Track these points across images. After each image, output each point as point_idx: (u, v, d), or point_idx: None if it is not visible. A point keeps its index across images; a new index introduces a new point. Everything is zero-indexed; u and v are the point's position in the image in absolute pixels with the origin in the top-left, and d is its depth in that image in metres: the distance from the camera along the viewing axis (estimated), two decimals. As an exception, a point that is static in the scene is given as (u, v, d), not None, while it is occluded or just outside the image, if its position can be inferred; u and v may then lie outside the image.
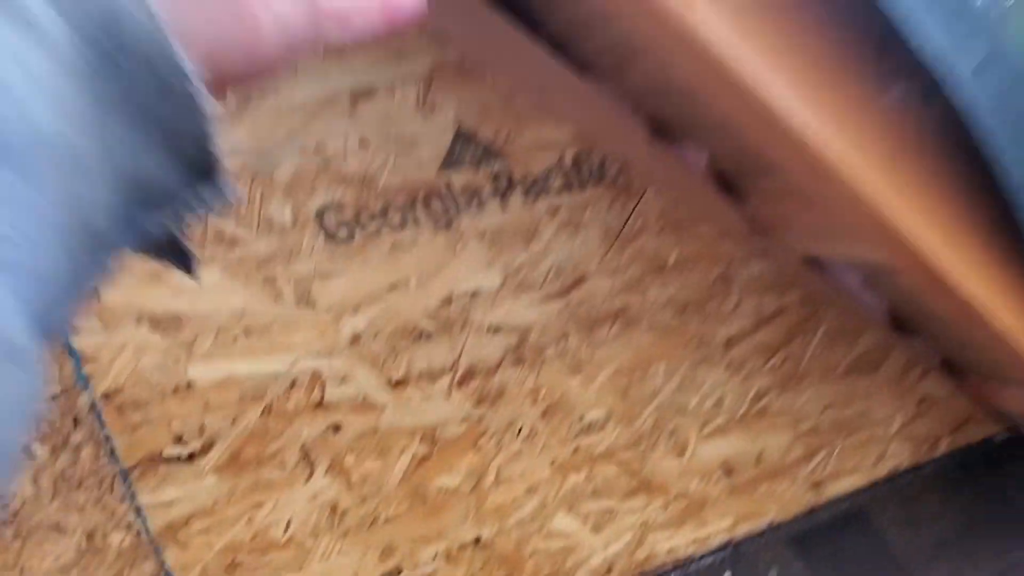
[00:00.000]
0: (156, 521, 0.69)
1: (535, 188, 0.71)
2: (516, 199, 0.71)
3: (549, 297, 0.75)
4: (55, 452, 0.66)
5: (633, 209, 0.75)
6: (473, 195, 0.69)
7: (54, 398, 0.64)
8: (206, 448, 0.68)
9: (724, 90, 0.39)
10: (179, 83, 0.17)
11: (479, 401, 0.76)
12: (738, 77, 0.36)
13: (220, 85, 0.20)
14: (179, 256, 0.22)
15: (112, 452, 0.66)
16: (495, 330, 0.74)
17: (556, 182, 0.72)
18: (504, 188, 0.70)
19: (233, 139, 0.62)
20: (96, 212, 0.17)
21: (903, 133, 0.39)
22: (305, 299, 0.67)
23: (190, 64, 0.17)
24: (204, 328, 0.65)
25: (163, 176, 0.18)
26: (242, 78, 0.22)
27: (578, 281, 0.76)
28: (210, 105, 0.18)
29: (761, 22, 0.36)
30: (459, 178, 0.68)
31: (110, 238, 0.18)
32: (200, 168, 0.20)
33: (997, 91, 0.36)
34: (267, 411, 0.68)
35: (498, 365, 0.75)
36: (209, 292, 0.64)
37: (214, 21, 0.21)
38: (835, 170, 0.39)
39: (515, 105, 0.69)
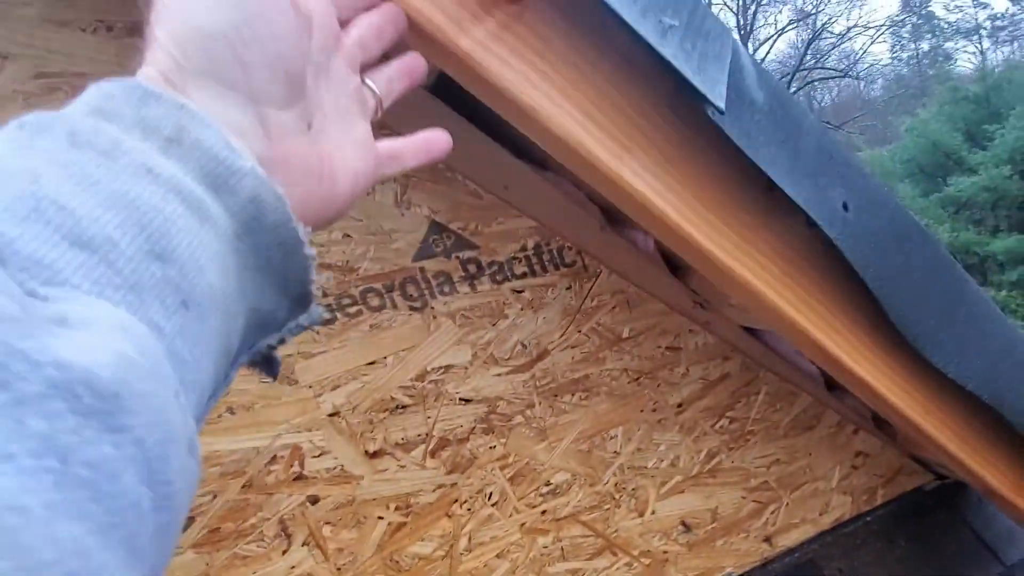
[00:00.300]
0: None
1: (501, 273, 0.79)
2: (484, 283, 0.79)
3: (515, 370, 0.82)
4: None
5: (589, 290, 0.84)
6: (445, 280, 0.77)
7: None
8: (186, 525, 0.70)
9: (641, 216, 0.49)
10: (297, 245, 0.25)
11: (451, 469, 0.80)
12: (656, 209, 0.46)
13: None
14: (271, 366, 0.29)
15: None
16: (466, 401, 0.80)
17: (520, 268, 0.81)
18: (473, 273, 0.78)
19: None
20: (234, 339, 0.24)
21: (792, 252, 0.49)
22: (288, 377, 0.72)
23: (303, 229, 0.25)
24: (191, 408, 0.69)
25: (277, 309, 0.26)
26: (321, 222, 0.30)
27: (542, 355, 0.83)
28: (310, 253, 0.26)
29: (675, 168, 0.46)
30: (432, 265, 0.76)
31: (237, 357, 0.26)
32: (302, 300, 0.28)
33: (858, 229, 0.46)
34: (247, 486, 0.72)
35: (469, 434, 0.81)
36: (197, 374, 0.69)
37: (307, 187, 0.27)
38: (736, 280, 0.48)
39: (482, 201, 0.78)
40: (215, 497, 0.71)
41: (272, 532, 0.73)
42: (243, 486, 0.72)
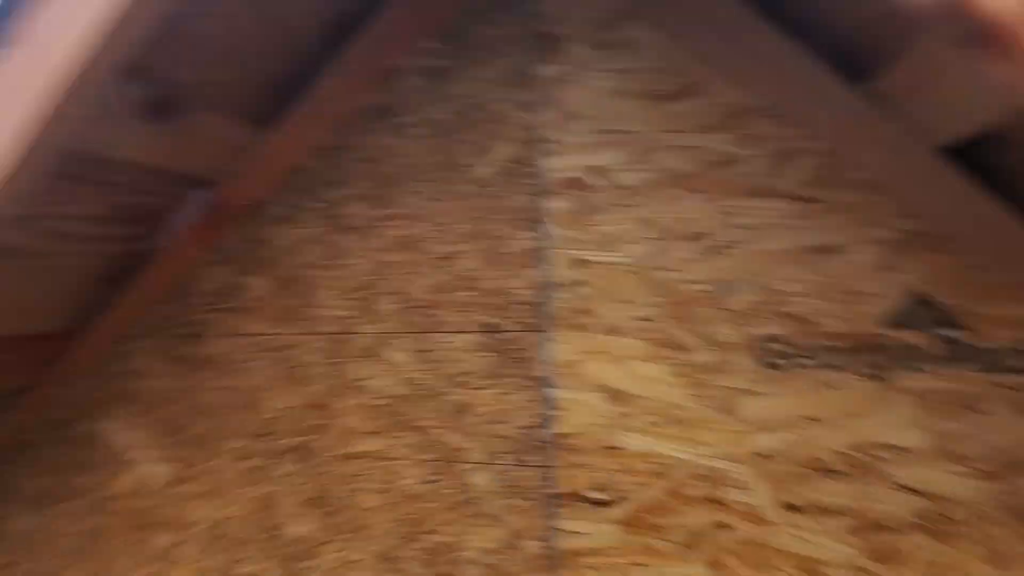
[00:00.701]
0: (562, 544, 0.87)
1: (989, 362, 0.70)
2: (960, 369, 0.71)
3: (981, 475, 0.71)
4: (513, 464, 0.91)
5: (1126, 410, 0.66)
6: (915, 355, 0.72)
7: (527, 428, 0.90)
8: (615, 502, 0.84)
9: None
10: None
11: (873, 555, 0.75)
12: None
13: None
14: None
15: (550, 478, 0.88)
16: (907, 490, 0.73)
17: (1013, 361, 0.69)
18: (952, 355, 0.71)
19: (699, 272, 0.80)
20: None
21: None
22: (728, 408, 0.79)
23: None
24: (643, 408, 0.83)
25: None
26: None
27: (1018, 467, 0.70)
28: None
29: None
30: (904, 336, 0.72)
31: None
32: None
33: None
34: (671, 490, 0.82)
35: (902, 526, 0.74)
36: (654, 382, 0.82)
37: None
38: None
39: (981, 277, 0.70)
40: (642, 488, 0.83)
41: (679, 538, 0.82)
42: (667, 490, 0.82)
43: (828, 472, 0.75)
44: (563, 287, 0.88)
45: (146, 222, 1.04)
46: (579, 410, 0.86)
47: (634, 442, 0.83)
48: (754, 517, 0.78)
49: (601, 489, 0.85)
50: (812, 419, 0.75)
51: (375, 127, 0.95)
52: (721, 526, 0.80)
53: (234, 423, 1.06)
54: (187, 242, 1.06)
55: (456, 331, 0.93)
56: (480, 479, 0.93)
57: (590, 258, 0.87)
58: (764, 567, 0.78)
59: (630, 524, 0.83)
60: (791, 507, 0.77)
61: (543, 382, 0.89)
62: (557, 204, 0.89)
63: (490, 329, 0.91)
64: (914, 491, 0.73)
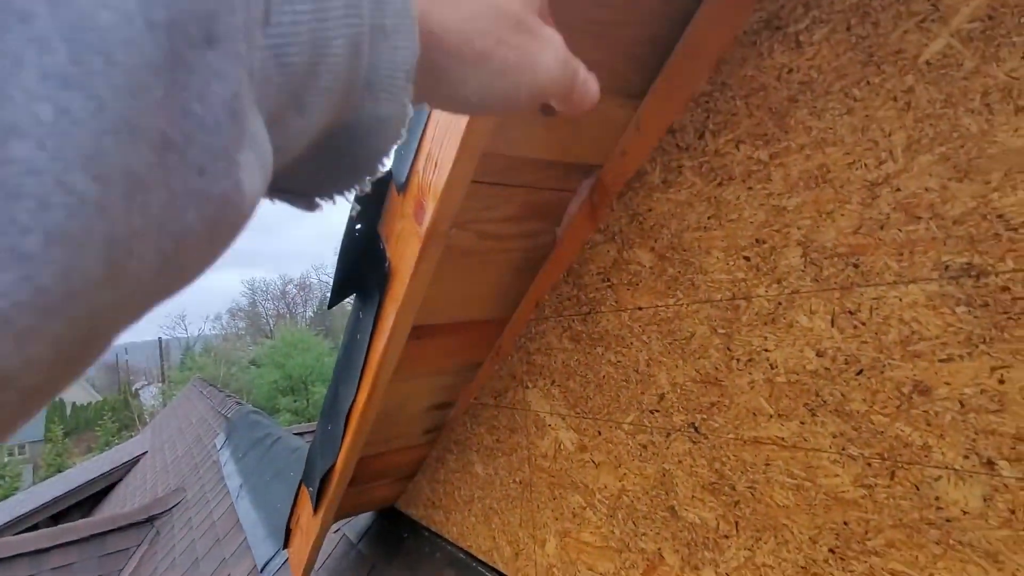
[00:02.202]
0: None
1: None
2: None
3: None
4: (1021, 478, 0.60)
5: None
6: None
7: None
8: None
9: None
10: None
11: None
12: None
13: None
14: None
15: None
16: None
17: None
18: None
19: None
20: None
21: None
22: None
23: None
24: None
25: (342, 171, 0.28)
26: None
27: None
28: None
29: None
30: None
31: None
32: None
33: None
34: None
35: None
36: None
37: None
38: None
39: None
40: None
41: None
42: None
43: None
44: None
45: (547, 216, 1.18)
46: None
47: None
48: None
49: None
50: None
51: (757, 51, 0.82)
52: None
53: (626, 397, 1.07)
54: (578, 227, 1.16)
55: (900, 281, 0.68)
56: (959, 494, 0.65)
57: None
58: None
59: None
60: None
61: (1081, 352, 0.55)
62: (1085, 64, 0.55)
63: (963, 273, 0.63)
64: None
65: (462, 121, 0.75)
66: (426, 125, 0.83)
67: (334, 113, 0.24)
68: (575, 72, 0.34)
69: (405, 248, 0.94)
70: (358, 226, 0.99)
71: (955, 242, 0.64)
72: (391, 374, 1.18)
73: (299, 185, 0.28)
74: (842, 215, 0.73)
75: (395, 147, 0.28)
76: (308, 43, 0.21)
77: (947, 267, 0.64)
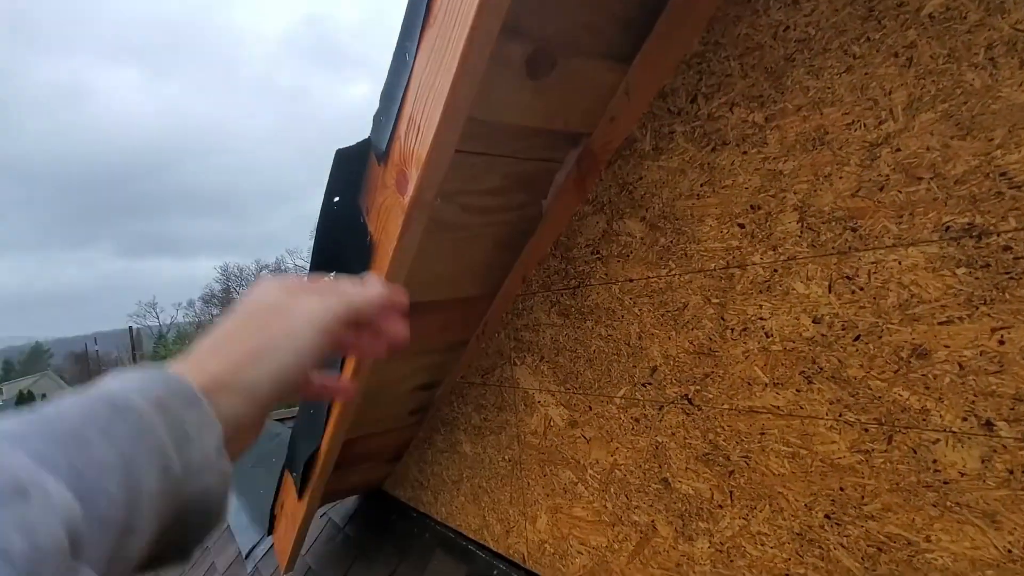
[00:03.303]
0: None
1: None
2: None
3: None
4: (1020, 439, 0.59)
5: None
6: None
7: (1053, 381, 0.56)
8: None
9: None
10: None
11: None
12: None
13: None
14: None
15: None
16: None
17: None
18: None
19: None
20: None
21: None
22: None
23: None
24: None
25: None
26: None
27: None
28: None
29: None
30: None
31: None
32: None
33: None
34: None
35: None
36: None
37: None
38: None
39: None
40: None
41: None
42: None
43: None
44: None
45: (533, 188, 1.14)
46: None
47: None
48: None
49: None
50: None
51: (752, 9, 0.79)
52: None
53: (617, 371, 1.05)
54: (566, 198, 1.12)
55: (899, 244, 0.67)
56: (957, 456, 0.64)
57: None
58: None
59: None
60: None
61: (1084, 310, 0.55)
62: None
63: (964, 233, 0.62)
64: None
65: (445, 80, 0.70)
66: (407, 87, 0.78)
67: (165, 510, 0.28)
68: (337, 310, 0.40)
69: (387, 220, 0.89)
70: (336, 199, 0.94)
71: (956, 202, 0.62)
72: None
73: (153, 560, 0.31)
74: (840, 178, 0.71)
75: (224, 500, 0.33)
76: (123, 503, 0.26)
77: (948, 228, 0.63)
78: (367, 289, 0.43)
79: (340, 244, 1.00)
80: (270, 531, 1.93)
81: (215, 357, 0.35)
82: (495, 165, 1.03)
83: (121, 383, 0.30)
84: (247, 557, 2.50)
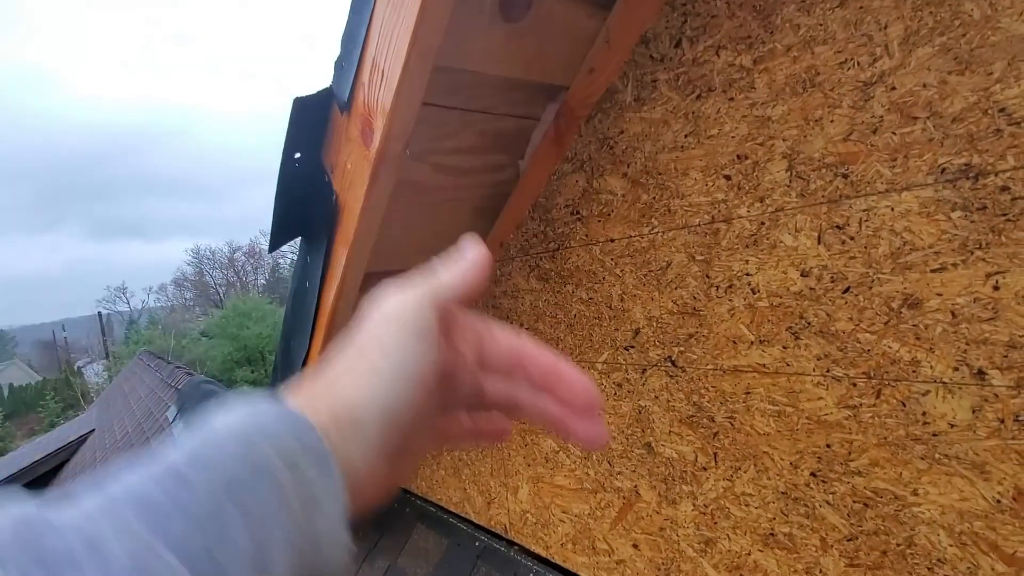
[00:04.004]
0: None
1: None
2: None
3: None
4: (1012, 387, 0.58)
5: None
6: None
7: (1049, 325, 0.54)
8: None
9: None
10: None
11: None
12: None
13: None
14: None
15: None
16: None
17: None
18: None
19: None
20: None
21: None
22: None
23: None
24: None
25: None
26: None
27: None
28: None
29: None
30: None
31: None
32: None
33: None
34: None
35: None
36: None
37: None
38: None
39: None
40: None
41: None
42: None
43: None
44: None
45: (510, 148, 1.08)
46: None
47: None
48: None
49: None
50: None
51: (741, -55, 0.73)
52: None
53: (599, 335, 1.02)
54: (544, 157, 1.07)
55: (892, 190, 0.64)
56: (947, 407, 0.63)
57: None
58: None
59: None
60: None
61: (1083, 250, 0.52)
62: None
63: (961, 174, 0.59)
64: None
65: (410, 17, 0.64)
66: (368, 28, 0.72)
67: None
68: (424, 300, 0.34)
69: (353, 177, 0.83)
70: (297, 155, 0.87)
71: (953, 142, 0.59)
72: (347, 324, 1.09)
73: None
74: (831, 121, 0.68)
75: None
76: None
77: (943, 170, 0.60)
78: (452, 264, 0.35)
79: (303, 206, 0.93)
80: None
81: (326, 391, 0.31)
82: (469, 122, 0.97)
83: (255, 422, 0.27)
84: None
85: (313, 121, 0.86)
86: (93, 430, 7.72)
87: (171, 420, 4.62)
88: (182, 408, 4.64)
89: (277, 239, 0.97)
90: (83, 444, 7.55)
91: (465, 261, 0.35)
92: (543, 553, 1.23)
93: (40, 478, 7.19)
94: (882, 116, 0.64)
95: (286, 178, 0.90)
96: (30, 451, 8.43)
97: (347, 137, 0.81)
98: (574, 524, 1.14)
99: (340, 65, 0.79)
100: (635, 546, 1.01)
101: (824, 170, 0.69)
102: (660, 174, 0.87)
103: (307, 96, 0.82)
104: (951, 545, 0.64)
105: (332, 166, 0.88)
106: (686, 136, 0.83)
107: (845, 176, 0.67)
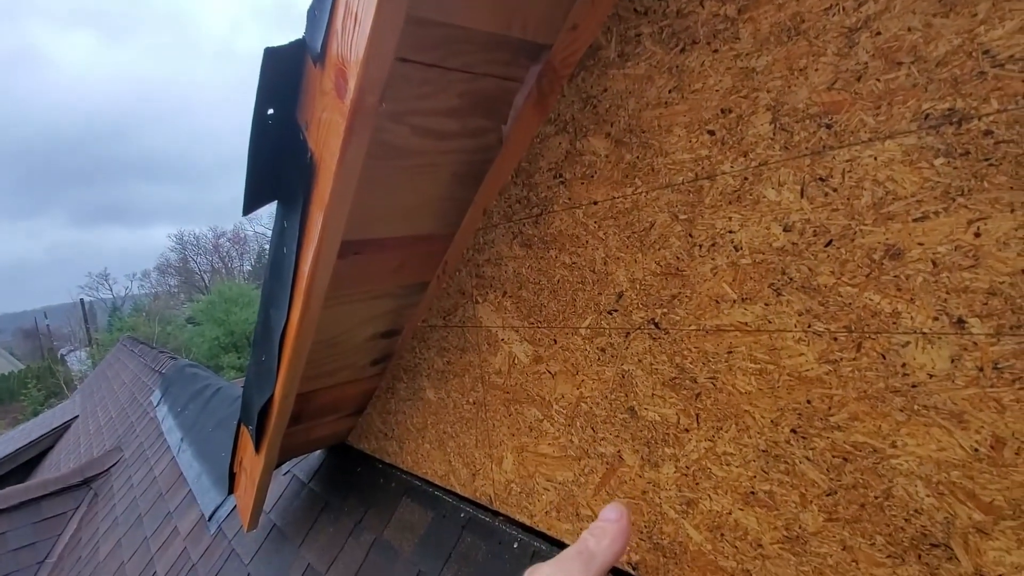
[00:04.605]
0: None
1: None
2: None
3: None
4: (991, 334, 0.58)
5: None
6: None
7: (1029, 270, 0.54)
8: None
9: None
10: None
11: None
12: None
13: None
14: None
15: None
16: None
17: None
18: None
19: None
20: None
21: None
22: None
23: None
24: None
25: None
26: None
27: None
28: None
29: None
30: None
31: None
32: None
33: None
34: None
35: None
36: None
37: None
38: None
39: None
40: None
41: None
42: None
43: None
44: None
45: (492, 112, 1.06)
46: None
47: None
48: None
49: None
50: None
51: None
52: None
53: (582, 300, 1.01)
54: (526, 120, 1.05)
55: (876, 138, 0.63)
56: (926, 358, 0.63)
57: None
58: None
59: None
60: None
61: (1064, 193, 0.52)
62: None
63: (944, 120, 0.58)
64: None
65: (383, -45, 0.61)
66: (340, -29, 0.69)
67: None
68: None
69: (328, 134, 0.80)
70: (270, 111, 0.84)
71: (937, 86, 0.58)
72: (325, 291, 1.07)
73: None
74: (816, 70, 0.66)
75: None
76: None
77: (927, 116, 0.59)
78: (602, 535, 0.42)
79: (278, 165, 0.90)
80: (231, 490, 1.87)
81: None
82: (449, 81, 0.95)
83: None
84: (210, 519, 2.45)
85: (286, 75, 0.83)
86: (77, 416, 7.62)
87: (155, 404, 4.57)
88: (166, 392, 4.58)
89: (252, 201, 0.94)
90: (67, 430, 7.45)
91: (615, 529, 0.42)
92: (528, 522, 1.23)
93: (24, 465, 7.10)
94: (867, 63, 0.62)
95: (259, 136, 0.87)
96: (10, 440, 8.31)
97: (321, 90, 0.79)
98: (558, 492, 1.14)
99: (313, 13, 0.76)
100: (618, 510, 1.01)
101: (808, 121, 0.68)
102: (644, 132, 0.86)
103: (279, 47, 0.79)
104: (928, 496, 0.64)
105: (307, 122, 0.85)
106: (670, 92, 0.81)
107: (829, 126, 0.66)
